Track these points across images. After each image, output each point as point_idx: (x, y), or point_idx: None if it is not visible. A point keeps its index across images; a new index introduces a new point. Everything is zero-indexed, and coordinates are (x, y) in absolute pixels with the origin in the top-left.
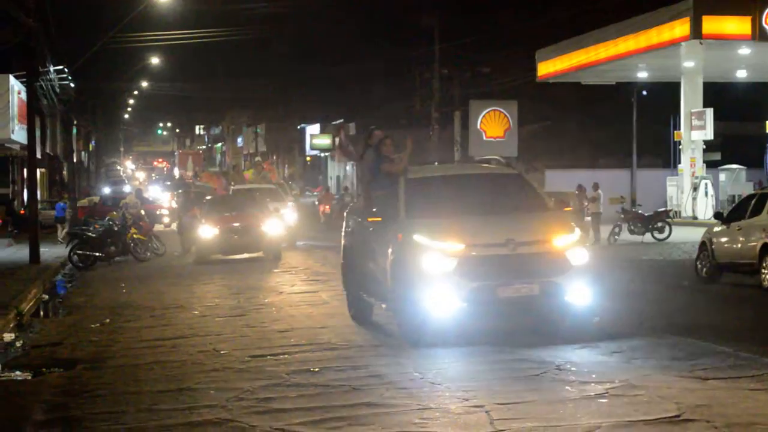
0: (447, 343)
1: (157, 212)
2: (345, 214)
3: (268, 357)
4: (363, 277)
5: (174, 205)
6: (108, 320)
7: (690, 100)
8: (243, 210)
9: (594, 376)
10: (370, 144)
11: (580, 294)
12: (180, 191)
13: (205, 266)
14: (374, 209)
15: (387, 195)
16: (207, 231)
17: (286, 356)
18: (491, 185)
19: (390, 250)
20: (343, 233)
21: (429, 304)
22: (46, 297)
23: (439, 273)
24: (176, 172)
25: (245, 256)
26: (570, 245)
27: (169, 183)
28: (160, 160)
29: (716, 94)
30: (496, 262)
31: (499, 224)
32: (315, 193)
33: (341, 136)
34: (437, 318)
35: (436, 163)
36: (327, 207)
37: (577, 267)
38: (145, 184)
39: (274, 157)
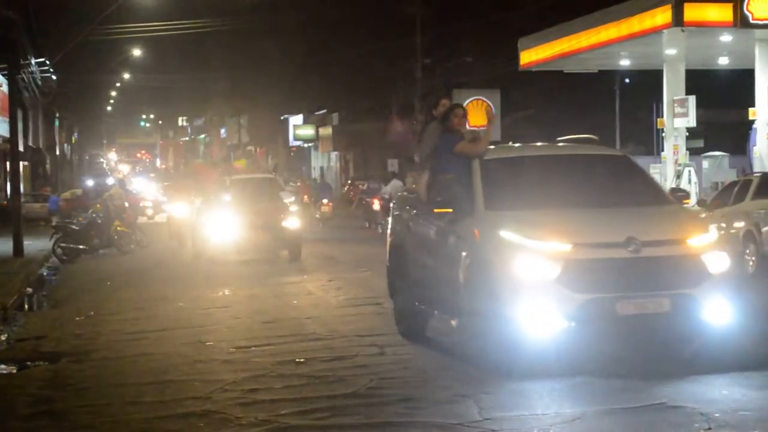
0: (549, 373)
1: (141, 204)
2: (392, 204)
3: (253, 348)
4: (421, 284)
5: (163, 197)
6: (92, 313)
7: (672, 87)
8: (259, 202)
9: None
10: (435, 116)
11: (720, 310)
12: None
13: (191, 258)
14: (439, 198)
15: (453, 181)
16: (220, 227)
17: (271, 347)
18: (593, 169)
19: (464, 252)
20: (389, 228)
21: (524, 322)
22: (30, 290)
23: (536, 281)
24: (158, 162)
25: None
26: (706, 247)
27: (153, 175)
28: (143, 152)
29: (698, 81)
30: (614, 267)
31: (614, 219)
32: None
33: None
34: (535, 341)
35: (510, 143)
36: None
37: (716, 275)
38: (129, 176)
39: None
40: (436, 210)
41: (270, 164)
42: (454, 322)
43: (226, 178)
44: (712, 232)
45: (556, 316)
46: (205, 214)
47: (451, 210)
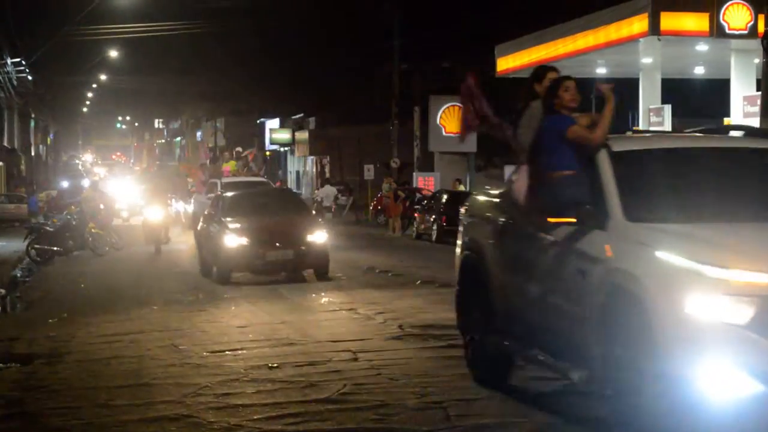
0: None
1: (116, 206)
2: (462, 211)
3: (227, 352)
4: (515, 318)
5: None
6: (65, 315)
7: (648, 96)
8: (276, 210)
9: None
10: (538, 92)
11: None
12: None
13: (165, 260)
14: (552, 202)
15: (572, 179)
16: (231, 240)
17: (244, 352)
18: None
19: (594, 278)
20: (459, 242)
21: (693, 382)
22: (3, 291)
23: (715, 326)
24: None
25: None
26: None
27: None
28: (119, 153)
29: (674, 90)
30: None
31: None
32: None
33: (470, 85)
34: (712, 410)
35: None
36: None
37: None
38: (106, 178)
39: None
40: (551, 219)
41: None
42: (575, 375)
43: (216, 180)
44: None
45: (743, 376)
46: (211, 228)
47: (575, 219)
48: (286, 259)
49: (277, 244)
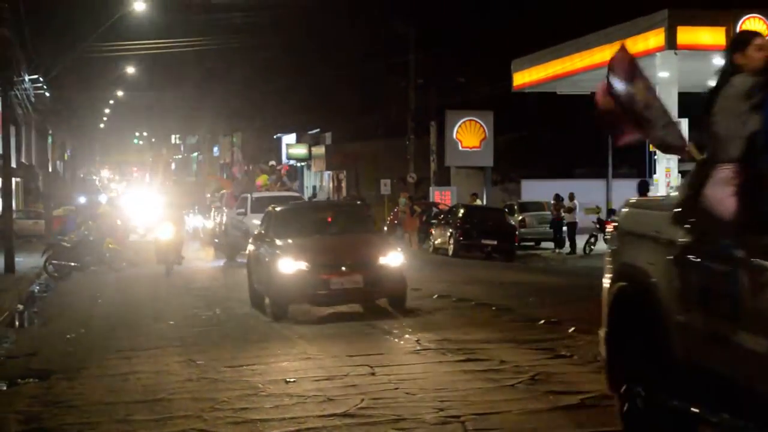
0: None
1: (132, 222)
2: (610, 227)
3: (244, 367)
4: (706, 372)
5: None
6: (83, 330)
7: None
8: (340, 229)
9: (568, 386)
10: (741, 65)
11: None
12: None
13: (179, 277)
14: None
15: None
16: (287, 265)
17: (261, 366)
18: None
19: None
20: (609, 266)
21: None
22: (21, 307)
23: None
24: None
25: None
26: None
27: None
28: (136, 169)
29: (691, 104)
30: None
31: None
32: None
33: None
34: None
35: None
36: None
37: None
38: (123, 194)
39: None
40: None
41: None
42: None
43: (247, 195)
44: None
45: None
46: (261, 251)
47: None
48: (355, 287)
49: (343, 268)
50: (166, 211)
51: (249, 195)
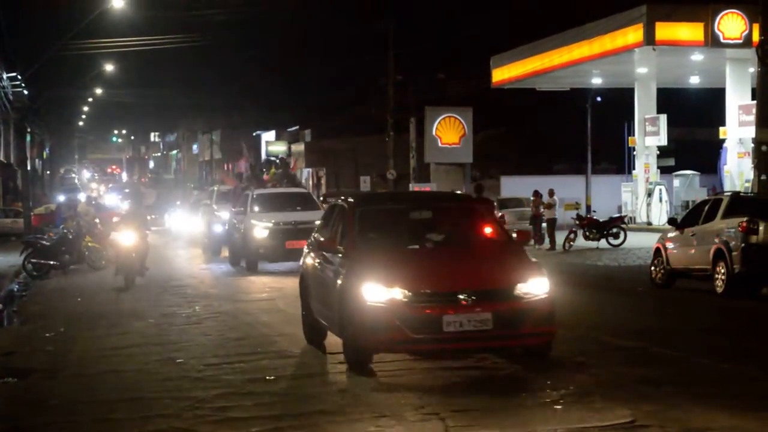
0: None
1: (114, 219)
2: None
3: (224, 365)
4: None
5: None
6: (62, 329)
7: (644, 106)
8: (451, 235)
9: (549, 382)
10: None
11: None
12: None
13: (160, 273)
14: None
15: None
16: (374, 292)
17: (241, 364)
18: None
19: None
20: None
21: None
22: (0, 306)
23: None
24: (124, 177)
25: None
26: None
27: (128, 190)
28: (114, 167)
29: (670, 100)
30: None
31: None
32: None
33: None
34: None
35: None
36: None
37: None
38: (103, 192)
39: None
40: None
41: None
42: None
43: (249, 192)
44: None
45: None
46: (326, 267)
47: None
48: (481, 329)
49: (463, 300)
50: (128, 212)
51: (250, 191)
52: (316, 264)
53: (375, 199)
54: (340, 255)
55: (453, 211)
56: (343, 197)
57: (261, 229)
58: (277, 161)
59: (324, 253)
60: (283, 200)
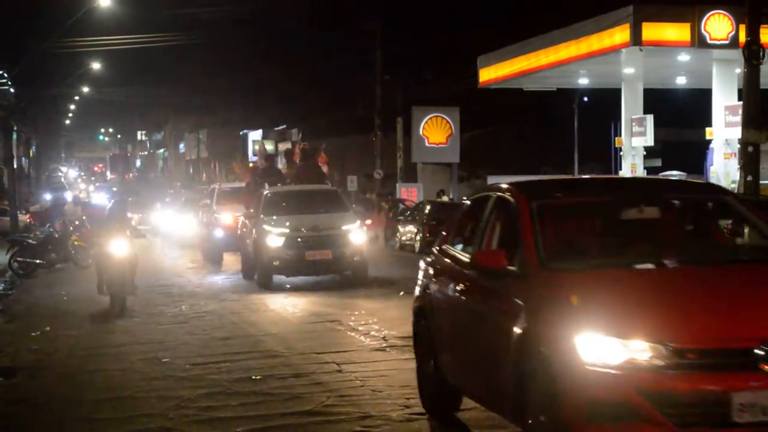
0: None
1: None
2: None
3: (210, 365)
4: None
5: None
6: (48, 328)
7: (630, 106)
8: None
9: None
10: None
11: None
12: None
13: (147, 274)
14: None
15: None
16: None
17: (227, 364)
18: None
19: None
20: None
21: None
22: None
23: None
24: (108, 175)
25: None
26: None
27: (115, 189)
28: (101, 165)
29: (656, 100)
30: None
31: None
32: None
33: None
34: None
35: None
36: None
37: None
38: (90, 191)
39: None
40: None
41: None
42: None
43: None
44: None
45: None
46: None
47: None
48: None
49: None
50: (112, 215)
51: (265, 189)
52: (457, 291)
53: (558, 188)
54: (513, 278)
55: (688, 208)
56: (500, 185)
57: (275, 237)
58: (301, 148)
59: (476, 272)
60: (303, 200)
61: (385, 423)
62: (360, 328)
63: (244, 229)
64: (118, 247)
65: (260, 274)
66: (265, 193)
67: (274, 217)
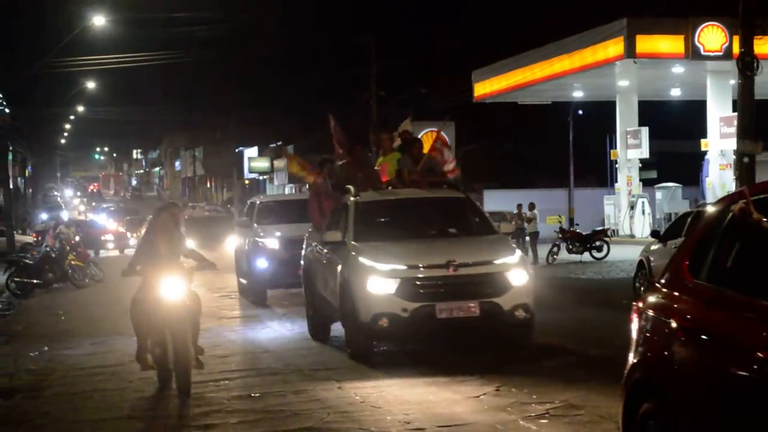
0: None
1: (102, 238)
2: None
3: (209, 383)
4: None
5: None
6: (46, 348)
7: (625, 118)
8: None
9: (534, 396)
10: None
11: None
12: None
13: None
14: None
15: None
16: None
17: (227, 382)
18: None
19: None
20: None
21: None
22: None
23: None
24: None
25: None
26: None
27: (112, 208)
28: (96, 185)
29: (651, 112)
30: None
31: None
32: None
33: None
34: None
35: None
36: None
37: None
38: (88, 210)
39: (211, 181)
40: None
41: (224, 197)
42: None
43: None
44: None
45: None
46: None
47: None
48: None
49: None
50: (160, 240)
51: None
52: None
53: None
54: None
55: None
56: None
57: (381, 279)
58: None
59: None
60: (420, 215)
61: None
62: None
63: (315, 260)
64: (171, 289)
65: (354, 340)
66: (352, 200)
67: (374, 244)
